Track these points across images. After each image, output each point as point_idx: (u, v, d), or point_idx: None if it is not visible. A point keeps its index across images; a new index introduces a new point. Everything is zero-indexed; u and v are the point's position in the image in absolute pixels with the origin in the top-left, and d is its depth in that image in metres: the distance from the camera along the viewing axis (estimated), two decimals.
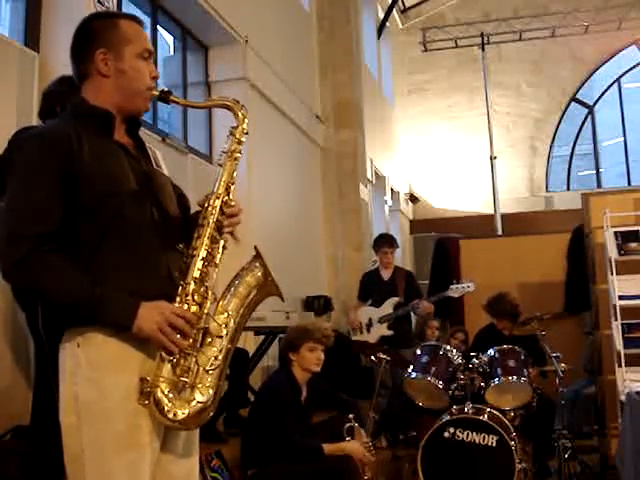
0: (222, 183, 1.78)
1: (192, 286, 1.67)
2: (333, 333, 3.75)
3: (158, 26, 5.81)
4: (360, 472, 3.50)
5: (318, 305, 7.61)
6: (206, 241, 1.72)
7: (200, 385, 1.62)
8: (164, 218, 1.77)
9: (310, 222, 8.24)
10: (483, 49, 11.23)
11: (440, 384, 4.38)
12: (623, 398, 4.11)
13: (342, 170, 8.84)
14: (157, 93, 1.79)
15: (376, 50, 11.82)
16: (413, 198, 13.28)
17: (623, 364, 4.43)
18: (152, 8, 5.63)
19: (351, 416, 3.62)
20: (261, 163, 6.35)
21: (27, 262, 1.57)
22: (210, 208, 1.75)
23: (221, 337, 1.67)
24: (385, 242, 6.08)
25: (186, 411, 1.60)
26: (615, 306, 4.58)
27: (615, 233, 4.81)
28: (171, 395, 1.59)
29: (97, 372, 1.59)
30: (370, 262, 7.73)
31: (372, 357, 5.12)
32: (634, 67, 12.94)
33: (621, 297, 4.60)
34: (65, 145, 1.64)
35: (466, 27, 12.36)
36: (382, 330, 5.72)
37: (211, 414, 1.65)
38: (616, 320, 4.56)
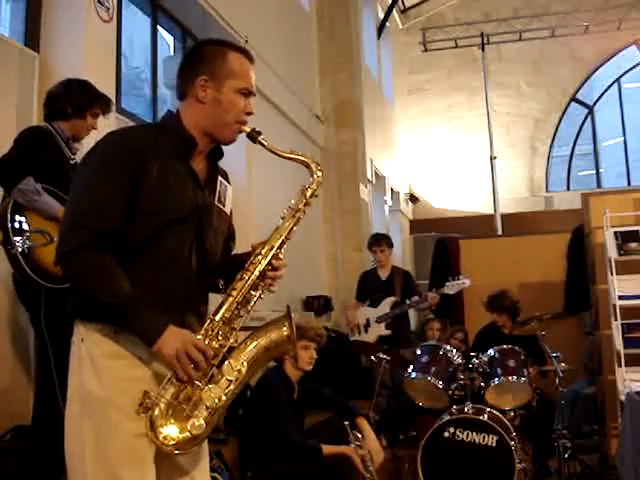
0: (278, 236, 1.83)
1: (220, 324, 1.73)
2: (326, 332, 3.74)
3: (158, 26, 5.81)
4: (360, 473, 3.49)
5: (318, 305, 7.61)
6: (247, 286, 1.77)
7: (196, 417, 1.67)
8: (200, 255, 1.81)
9: (310, 222, 8.24)
10: (483, 49, 11.22)
11: (440, 384, 4.38)
12: (623, 398, 4.11)
13: (342, 170, 8.85)
14: (247, 130, 1.84)
15: (376, 50, 11.81)
16: (413, 198, 13.28)
17: (623, 364, 4.43)
18: (152, 8, 5.63)
19: (347, 423, 3.60)
20: (261, 163, 6.35)
21: (82, 252, 1.64)
22: (260, 257, 1.80)
23: (231, 381, 1.71)
24: (373, 241, 6.03)
25: (175, 437, 1.65)
26: (615, 306, 4.58)
27: (615, 233, 4.81)
28: (166, 418, 1.65)
29: (97, 366, 1.67)
30: (371, 262, 7.73)
31: (372, 357, 5.12)
32: (634, 67, 12.94)
33: (621, 297, 4.60)
34: (142, 151, 1.71)
35: (466, 27, 12.36)
36: (380, 330, 5.72)
37: (198, 445, 1.70)
38: (616, 320, 4.56)
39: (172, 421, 1.65)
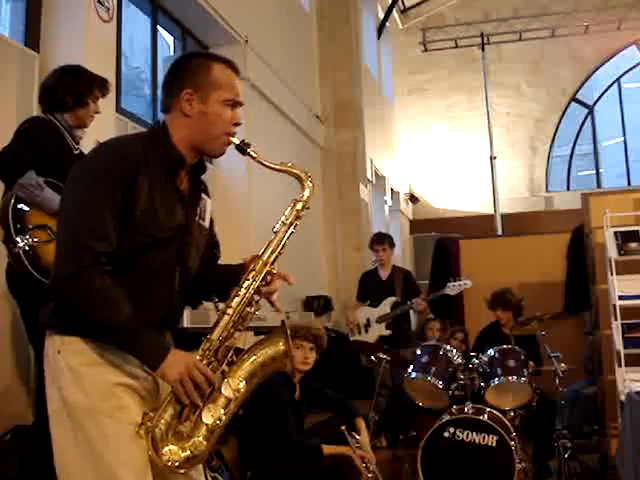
0: (272, 252, 1.82)
1: (217, 343, 1.73)
2: (326, 334, 3.73)
3: (158, 26, 5.81)
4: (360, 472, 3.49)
5: (318, 305, 7.61)
6: (242, 304, 1.77)
7: (196, 437, 1.68)
8: (184, 274, 1.81)
9: (310, 222, 8.24)
10: (483, 49, 11.22)
11: (440, 384, 4.38)
12: (623, 398, 4.11)
13: (342, 170, 8.85)
14: (237, 142, 1.82)
15: (376, 50, 11.82)
16: (413, 198, 13.28)
17: (623, 364, 4.43)
18: (152, 8, 5.63)
19: (343, 427, 3.59)
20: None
21: (85, 274, 1.61)
22: (254, 273, 1.79)
23: (230, 399, 1.71)
24: (376, 240, 6.05)
25: (177, 457, 1.66)
26: (615, 306, 4.58)
27: (615, 233, 4.80)
28: (167, 438, 1.66)
29: (78, 375, 1.65)
30: (371, 262, 7.74)
31: (372, 357, 5.12)
32: (634, 67, 12.94)
33: (621, 297, 4.59)
34: (133, 167, 1.68)
35: (466, 27, 12.37)
36: (380, 330, 5.72)
37: (199, 464, 1.73)
38: (616, 320, 4.56)
39: (173, 441, 1.66)
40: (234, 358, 1.75)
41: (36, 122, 2.98)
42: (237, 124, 1.83)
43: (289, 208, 1.87)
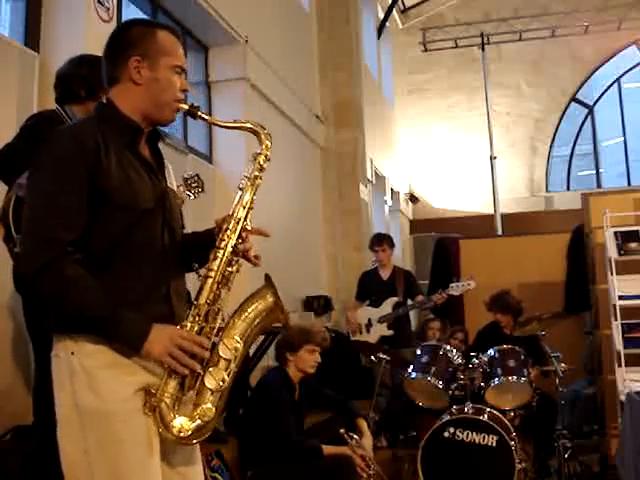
0: (242, 208, 1.80)
1: (205, 306, 1.71)
2: (329, 336, 3.77)
3: None
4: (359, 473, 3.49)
5: (318, 305, 7.61)
6: (223, 264, 1.75)
7: (203, 404, 1.66)
8: (171, 240, 1.79)
9: (310, 222, 8.24)
10: (483, 49, 11.23)
11: (440, 384, 4.38)
12: (623, 398, 4.12)
13: (342, 170, 8.85)
14: (186, 107, 1.81)
15: (376, 50, 11.82)
16: (413, 198, 13.28)
17: (623, 364, 4.43)
18: (152, 8, 5.63)
19: (342, 430, 3.59)
20: None
21: (55, 267, 1.57)
22: (229, 232, 1.77)
23: (229, 360, 1.70)
24: (375, 241, 6.05)
25: (188, 427, 1.64)
26: (615, 306, 4.58)
27: (615, 233, 4.81)
28: (175, 411, 1.64)
29: (93, 378, 1.61)
30: (371, 262, 7.74)
31: (372, 357, 5.12)
32: (634, 67, 12.94)
33: (621, 297, 4.60)
34: (94, 150, 1.64)
35: (466, 27, 12.36)
36: (382, 330, 5.71)
37: (210, 432, 1.70)
38: (616, 320, 4.56)
39: (181, 413, 1.65)
40: (224, 318, 1.74)
41: (42, 118, 2.89)
42: (185, 90, 1.81)
43: (251, 164, 1.85)
